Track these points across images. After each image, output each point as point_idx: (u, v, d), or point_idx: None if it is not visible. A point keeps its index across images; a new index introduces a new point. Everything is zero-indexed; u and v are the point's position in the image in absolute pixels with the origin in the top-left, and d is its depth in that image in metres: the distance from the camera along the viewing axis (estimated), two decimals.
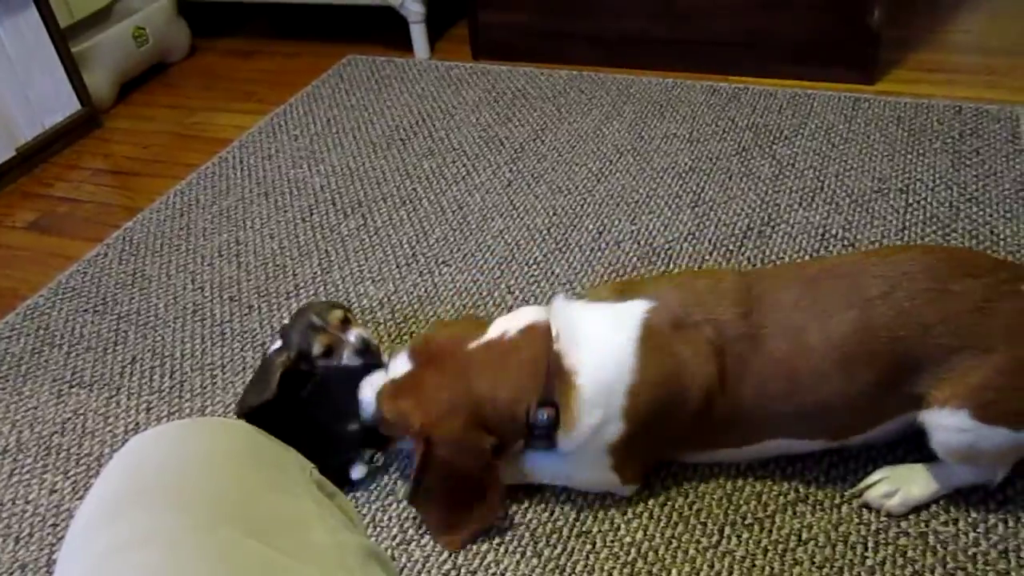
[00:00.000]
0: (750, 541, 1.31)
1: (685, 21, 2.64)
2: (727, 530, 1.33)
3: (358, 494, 1.45)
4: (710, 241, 1.94)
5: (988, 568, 1.24)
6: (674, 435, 1.34)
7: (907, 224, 1.92)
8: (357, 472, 1.45)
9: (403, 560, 1.34)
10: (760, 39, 2.59)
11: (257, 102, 2.86)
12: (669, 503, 1.38)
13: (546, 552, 1.33)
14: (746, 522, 1.34)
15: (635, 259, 1.92)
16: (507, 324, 1.35)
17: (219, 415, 1.64)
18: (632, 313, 1.30)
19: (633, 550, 1.32)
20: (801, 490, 1.37)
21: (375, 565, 0.74)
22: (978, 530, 1.29)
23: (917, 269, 1.24)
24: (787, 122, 2.35)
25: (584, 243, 1.98)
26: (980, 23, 2.85)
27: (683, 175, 2.18)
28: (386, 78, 2.86)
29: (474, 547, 1.35)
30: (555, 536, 1.35)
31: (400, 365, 1.35)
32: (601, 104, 2.55)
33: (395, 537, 1.38)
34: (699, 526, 1.34)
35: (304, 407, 1.43)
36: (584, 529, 1.35)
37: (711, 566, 1.28)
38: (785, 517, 1.34)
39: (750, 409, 1.29)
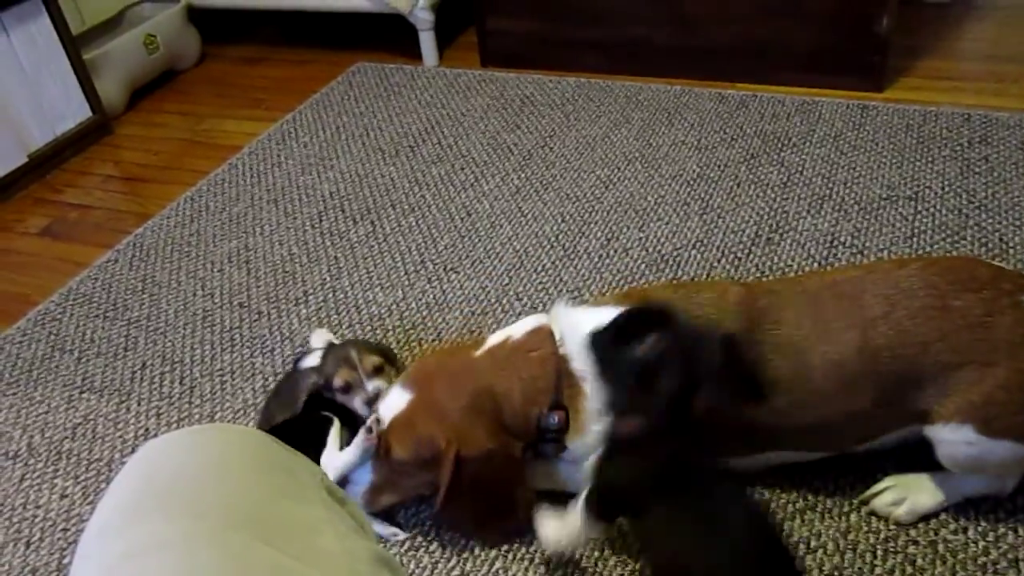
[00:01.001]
0: None
1: (693, 28, 2.65)
2: None
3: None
4: (718, 248, 1.94)
5: None
6: None
7: (916, 232, 1.92)
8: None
9: (412, 566, 1.35)
10: (768, 47, 2.59)
11: (266, 109, 2.87)
12: None
13: (553, 559, 1.33)
14: None
15: (643, 266, 1.92)
16: (508, 331, 1.36)
17: (229, 421, 1.64)
18: None
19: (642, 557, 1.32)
20: (810, 498, 1.37)
21: (385, 571, 0.75)
22: (988, 539, 1.29)
23: (917, 285, 1.24)
24: (795, 129, 2.35)
25: (592, 250, 1.98)
26: (988, 31, 2.85)
27: (691, 182, 2.18)
28: (395, 85, 2.87)
29: (482, 554, 1.35)
30: None
31: (396, 400, 1.33)
32: (609, 111, 2.55)
33: (404, 543, 1.38)
34: None
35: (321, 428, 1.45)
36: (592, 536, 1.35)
37: None
38: (794, 525, 1.34)
39: (748, 421, 1.29)
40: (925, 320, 1.21)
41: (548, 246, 2.02)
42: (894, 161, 2.17)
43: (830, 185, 2.11)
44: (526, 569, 1.32)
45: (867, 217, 1.98)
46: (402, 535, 1.39)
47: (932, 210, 1.98)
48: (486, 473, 1.29)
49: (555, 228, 2.08)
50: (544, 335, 1.32)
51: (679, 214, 2.07)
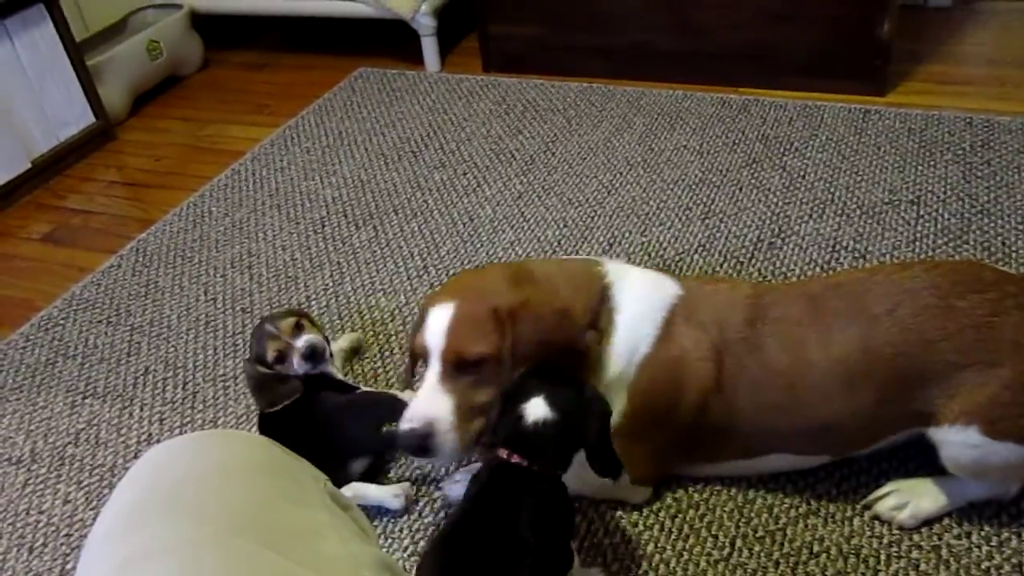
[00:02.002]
0: (761, 554, 1.31)
1: (695, 34, 2.65)
2: (738, 543, 1.33)
3: (369, 505, 1.45)
4: (721, 253, 1.94)
5: None
6: (673, 432, 1.33)
7: (918, 236, 1.92)
8: (359, 466, 1.48)
9: (415, 572, 1.34)
10: (770, 51, 2.60)
11: (269, 114, 2.88)
12: (680, 515, 1.38)
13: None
14: (757, 535, 1.34)
15: None
16: (559, 260, 1.39)
17: (231, 426, 1.65)
18: (667, 292, 1.34)
19: (644, 562, 1.31)
20: (812, 503, 1.37)
21: (387, 575, 0.75)
22: (991, 544, 1.29)
23: (921, 286, 1.24)
24: (797, 134, 2.35)
25: (595, 255, 1.99)
26: (991, 35, 2.85)
27: (693, 187, 2.18)
28: (397, 90, 2.88)
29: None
30: None
31: (438, 317, 1.25)
32: (611, 116, 2.56)
33: (407, 548, 1.38)
34: (710, 538, 1.34)
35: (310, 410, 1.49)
36: (595, 542, 1.35)
37: None
38: (796, 530, 1.34)
39: (748, 418, 1.29)
40: (929, 319, 1.21)
41: (550, 251, 2.02)
42: (896, 165, 2.17)
43: (832, 189, 2.11)
44: None
45: (869, 221, 1.98)
46: (401, 495, 1.42)
47: (934, 214, 1.98)
48: (548, 338, 1.23)
49: (557, 233, 2.08)
50: (595, 264, 1.36)
51: (681, 219, 2.07)
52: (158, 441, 1.63)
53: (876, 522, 1.33)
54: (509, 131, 2.55)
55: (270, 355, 1.50)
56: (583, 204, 2.17)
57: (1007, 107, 2.39)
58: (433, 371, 1.25)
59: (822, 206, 2.05)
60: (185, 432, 1.65)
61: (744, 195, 2.13)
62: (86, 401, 1.77)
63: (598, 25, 2.75)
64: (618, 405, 1.29)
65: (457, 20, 3.14)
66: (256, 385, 1.52)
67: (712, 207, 2.10)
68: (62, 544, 1.48)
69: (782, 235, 1.98)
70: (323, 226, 2.22)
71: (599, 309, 1.31)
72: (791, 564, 1.29)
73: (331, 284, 2.00)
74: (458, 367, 1.24)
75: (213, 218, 2.32)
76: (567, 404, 1.14)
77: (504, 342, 1.22)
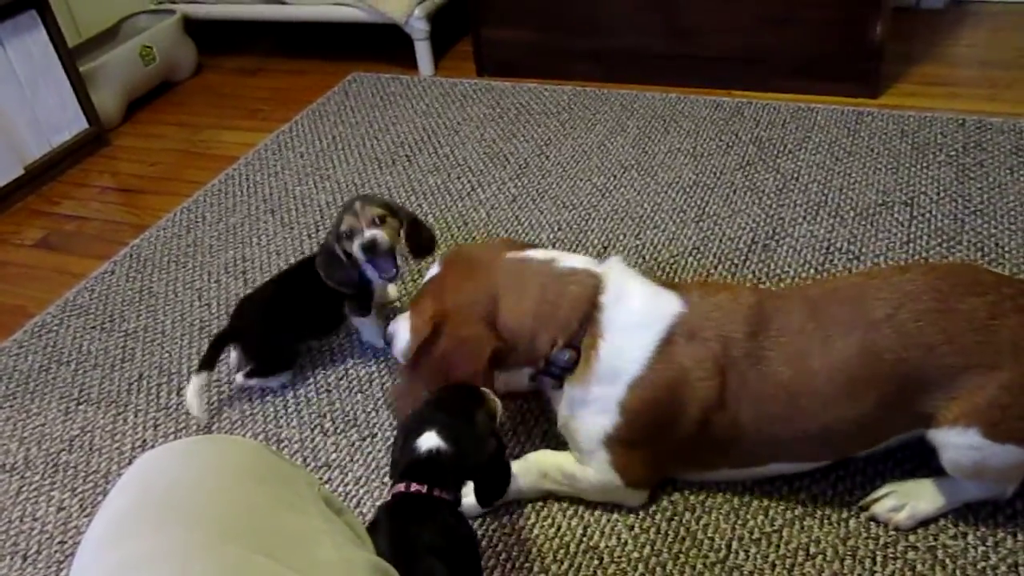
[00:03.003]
0: (758, 556, 1.31)
1: (688, 37, 2.66)
2: (735, 545, 1.33)
3: (362, 500, 1.44)
4: (715, 255, 1.94)
5: None
6: (671, 444, 1.33)
7: (912, 237, 1.92)
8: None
9: None
10: (763, 54, 2.60)
11: (263, 119, 2.88)
12: (676, 518, 1.38)
13: (553, 568, 1.33)
14: (753, 537, 1.33)
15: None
16: (561, 255, 1.39)
17: (226, 431, 1.64)
18: (667, 311, 1.31)
19: (641, 565, 1.31)
20: (808, 504, 1.37)
21: None
22: (987, 544, 1.29)
23: (920, 289, 1.24)
24: (791, 136, 2.36)
25: (591, 257, 1.98)
26: (982, 37, 2.86)
27: (687, 189, 2.18)
28: (391, 95, 2.88)
29: (482, 564, 1.35)
30: (562, 551, 1.35)
31: (429, 274, 1.45)
32: (605, 120, 2.56)
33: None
34: (707, 541, 1.34)
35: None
36: (591, 544, 1.35)
37: None
38: (792, 531, 1.34)
39: (751, 431, 1.29)
40: (929, 323, 1.21)
41: None
42: (889, 167, 2.17)
43: (826, 191, 2.11)
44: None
45: (863, 223, 1.98)
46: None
47: (928, 215, 1.98)
48: (452, 359, 1.33)
49: (552, 236, 2.08)
50: (591, 278, 1.35)
51: (675, 221, 2.07)
52: (152, 447, 1.62)
53: (872, 523, 1.34)
54: (503, 135, 2.55)
55: (343, 226, 1.60)
56: (577, 207, 2.17)
57: (998, 108, 2.39)
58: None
59: (816, 208, 2.06)
60: (179, 438, 1.65)
61: (738, 197, 2.13)
62: (80, 407, 1.77)
63: (591, 29, 2.76)
64: (608, 419, 1.30)
65: (450, 24, 3.14)
66: (325, 251, 1.64)
67: (706, 209, 2.10)
68: (56, 551, 1.47)
69: (776, 237, 1.98)
70: (317, 231, 2.22)
71: (580, 328, 1.31)
72: (787, 566, 1.29)
73: None
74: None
75: (207, 223, 2.32)
76: (458, 435, 1.21)
77: (426, 337, 1.36)
